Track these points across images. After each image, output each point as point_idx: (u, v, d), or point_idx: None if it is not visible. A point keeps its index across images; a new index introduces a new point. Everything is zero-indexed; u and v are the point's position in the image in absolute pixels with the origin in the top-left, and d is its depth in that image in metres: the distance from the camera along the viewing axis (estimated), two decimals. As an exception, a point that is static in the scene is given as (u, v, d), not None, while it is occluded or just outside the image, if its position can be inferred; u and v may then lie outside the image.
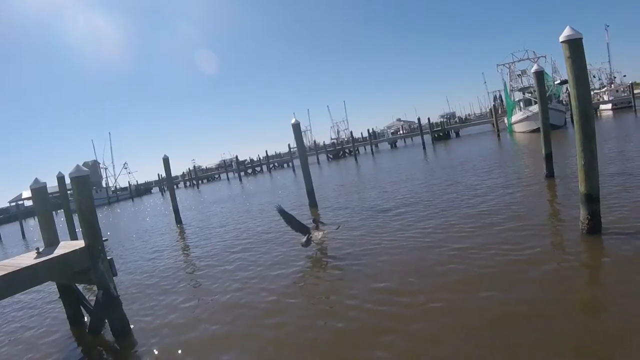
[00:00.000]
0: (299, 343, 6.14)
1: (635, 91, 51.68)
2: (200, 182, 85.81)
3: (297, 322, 6.87)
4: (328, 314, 7.09)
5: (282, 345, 6.15)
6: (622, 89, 57.09)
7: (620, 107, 51.28)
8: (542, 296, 6.09)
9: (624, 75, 67.21)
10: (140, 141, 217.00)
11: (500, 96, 67.76)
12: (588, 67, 8.60)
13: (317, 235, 10.89)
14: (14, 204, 62.56)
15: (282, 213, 11.43)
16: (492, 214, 11.21)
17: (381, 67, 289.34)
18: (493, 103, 72.04)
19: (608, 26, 70.39)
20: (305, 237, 10.93)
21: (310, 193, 19.23)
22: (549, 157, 15.02)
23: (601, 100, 57.18)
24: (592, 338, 4.93)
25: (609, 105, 53.66)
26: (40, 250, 8.01)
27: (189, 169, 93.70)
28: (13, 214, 53.45)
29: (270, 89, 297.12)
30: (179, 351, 6.73)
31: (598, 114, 50.72)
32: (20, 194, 73.71)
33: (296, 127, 19.25)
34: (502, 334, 5.28)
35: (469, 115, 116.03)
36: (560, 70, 61.73)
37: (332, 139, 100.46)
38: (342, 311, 6.92)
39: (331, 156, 76.79)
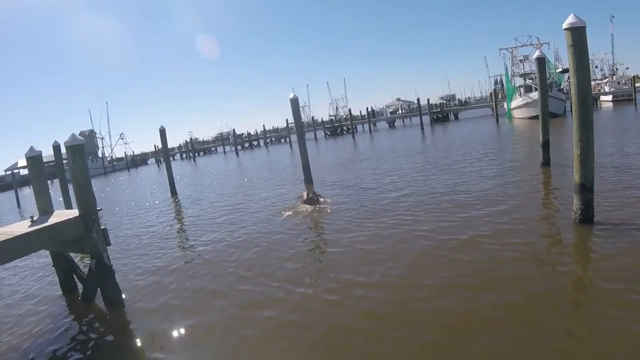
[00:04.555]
0: (278, 327, 6.11)
1: (637, 84, 51.15)
2: (196, 154, 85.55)
3: (281, 312, 6.83)
4: (306, 300, 6.91)
5: (265, 336, 6.02)
6: (623, 81, 56.46)
7: (621, 99, 50.73)
8: (530, 285, 6.15)
9: (627, 68, 66.50)
10: (137, 112, 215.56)
11: (501, 81, 67.10)
12: (590, 57, 8.57)
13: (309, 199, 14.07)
14: (9, 172, 62.18)
15: None
16: (484, 201, 11.22)
17: (383, 45, 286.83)
18: (494, 87, 71.42)
19: (613, 17, 69.51)
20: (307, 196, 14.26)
21: (306, 169, 19.19)
22: (546, 145, 15.01)
23: (602, 91, 56.65)
24: (579, 326, 5.02)
25: (610, 97, 53.10)
26: (35, 218, 8.00)
27: (185, 140, 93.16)
28: (8, 183, 53.21)
29: (270, 64, 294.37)
30: (170, 320, 6.81)
31: (598, 105, 50.37)
32: (16, 163, 73.44)
33: (294, 102, 19.09)
34: (488, 323, 5.34)
35: (469, 98, 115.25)
36: (562, 58, 61.14)
37: (330, 115, 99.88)
38: (319, 303, 6.66)
39: (329, 133, 76.55)
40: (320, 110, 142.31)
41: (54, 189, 22.53)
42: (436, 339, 5.16)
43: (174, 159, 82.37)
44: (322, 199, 14.24)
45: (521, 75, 50.36)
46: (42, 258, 11.54)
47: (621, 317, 4.98)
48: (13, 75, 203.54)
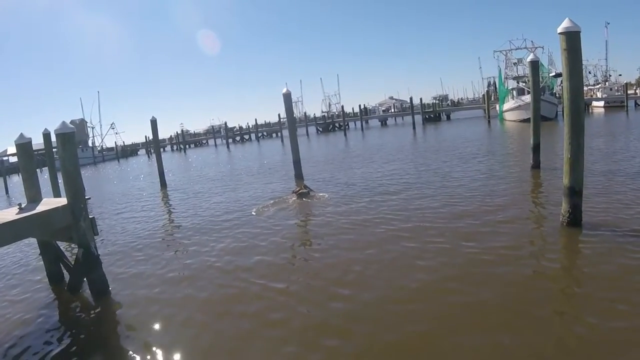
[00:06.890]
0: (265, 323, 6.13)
1: (629, 92, 51.66)
2: (187, 146, 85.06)
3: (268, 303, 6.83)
4: (288, 302, 6.84)
5: (250, 325, 6.16)
6: (616, 88, 56.95)
7: (613, 105, 51.16)
8: (517, 289, 6.18)
9: (620, 74, 67.11)
10: (129, 102, 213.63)
11: (495, 83, 67.47)
12: (584, 62, 8.62)
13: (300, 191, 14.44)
14: (-2, 159, 61.25)
15: None
16: (473, 202, 11.27)
17: (377, 43, 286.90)
18: (487, 89, 71.75)
19: (609, 23, 69.68)
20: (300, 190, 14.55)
21: (297, 164, 19.15)
22: (536, 148, 15.12)
23: (594, 96, 57.15)
24: (566, 331, 5.07)
25: (602, 103, 53.56)
26: (23, 206, 7.91)
27: (176, 132, 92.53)
28: (-3, 170, 52.44)
29: (263, 59, 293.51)
30: (156, 311, 6.81)
31: (590, 110, 50.88)
32: (5, 150, 72.31)
33: (287, 97, 19.05)
34: (476, 328, 5.33)
35: (461, 99, 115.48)
36: (556, 62, 61.47)
37: (323, 112, 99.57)
38: (300, 308, 6.42)
39: (320, 129, 76.60)
40: (312, 106, 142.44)
41: (44, 177, 22.30)
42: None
43: (164, 150, 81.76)
44: (313, 194, 14.25)
45: (514, 78, 50.62)
46: (30, 247, 11.42)
47: (605, 319, 5.03)
48: (4, 63, 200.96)
